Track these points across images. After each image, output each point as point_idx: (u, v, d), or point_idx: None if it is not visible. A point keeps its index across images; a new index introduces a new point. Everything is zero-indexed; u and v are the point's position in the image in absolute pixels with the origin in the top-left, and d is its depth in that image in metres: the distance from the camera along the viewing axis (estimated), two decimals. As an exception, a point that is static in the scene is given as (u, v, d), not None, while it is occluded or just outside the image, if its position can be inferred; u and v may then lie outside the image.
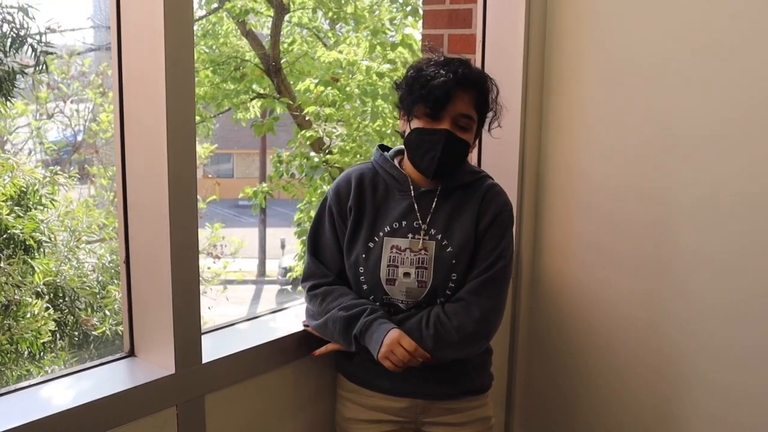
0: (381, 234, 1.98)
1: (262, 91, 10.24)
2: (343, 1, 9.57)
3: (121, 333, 5.69)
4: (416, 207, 1.99)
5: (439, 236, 1.96)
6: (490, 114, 2.04)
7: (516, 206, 2.68)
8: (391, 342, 1.86)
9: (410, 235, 1.96)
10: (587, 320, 2.70)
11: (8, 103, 6.16)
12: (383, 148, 2.10)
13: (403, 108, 1.99)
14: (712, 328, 2.43)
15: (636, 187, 2.54)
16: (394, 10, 9.72)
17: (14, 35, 5.82)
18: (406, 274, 1.95)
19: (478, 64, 2.70)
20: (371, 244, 1.97)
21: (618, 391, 2.66)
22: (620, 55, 2.53)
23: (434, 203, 1.99)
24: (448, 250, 1.96)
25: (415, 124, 1.94)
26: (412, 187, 2.00)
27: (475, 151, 2.74)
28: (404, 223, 1.97)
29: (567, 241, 2.71)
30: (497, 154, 2.70)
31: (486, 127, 2.06)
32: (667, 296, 2.51)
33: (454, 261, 1.95)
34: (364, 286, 1.98)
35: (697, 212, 2.43)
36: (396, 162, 2.05)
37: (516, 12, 2.59)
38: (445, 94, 1.88)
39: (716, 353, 2.44)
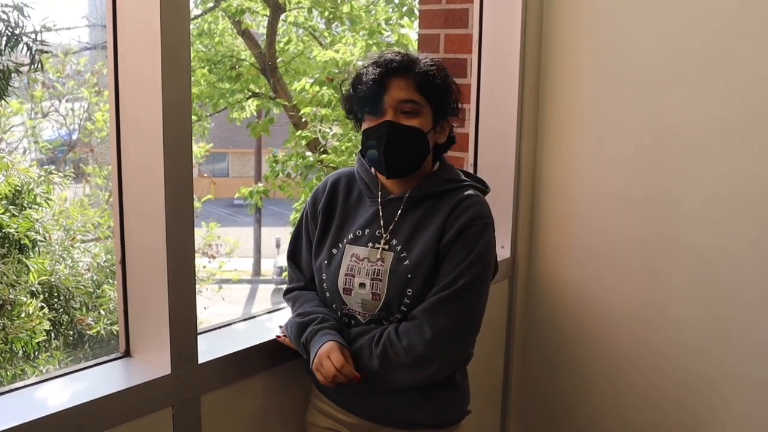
0: (345, 241, 1.89)
1: (257, 91, 10.24)
2: (339, 1, 9.57)
3: (116, 332, 5.67)
4: (381, 215, 1.88)
5: (399, 247, 1.84)
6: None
7: (512, 208, 2.68)
8: (321, 354, 1.75)
9: (370, 244, 1.86)
10: (584, 321, 2.70)
11: (3, 101, 6.14)
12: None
13: (354, 118, 1.92)
14: (708, 329, 2.44)
15: (633, 189, 2.54)
16: (390, 10, 9.72)
17: (9, 34, 5.81)
18: (362, 285, 1.83)
19: (475, 65, 2.70)
20: (334, 251, 1.89)
21: (615, 392, 2.66)
22: (618, 56, 2.53)
23: (399, 211, 1.88)
24: (405, 263, 1.82)
25: (364, 126, 1.86)
26: (380, 194, 1.90)
27: (471, 152, 2.74)
28: (367, 231, 1.88)
29: (563, 242, 2.72)
30: (493, 155, 2.70)
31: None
32: (664, 298, 2.52)
33: (409, 275, 1.80)
34: (327, 294, 1.89)
35: (693, 214, 2.43)
36: (372, 167, 1.93)
37: (512, 12, 2.59)
38: (377, 85, 1.79)
39: (713, 354, 2.44)
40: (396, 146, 1.81)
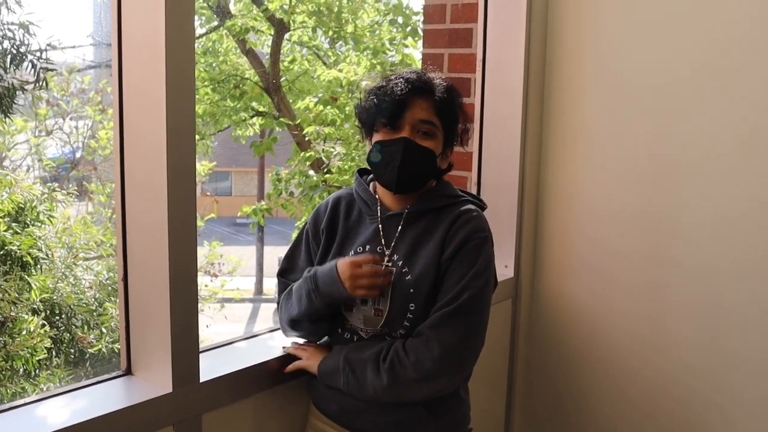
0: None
1: (261, 110, 10.27)
2: (343, 21, 9.62)
3: (117, 350, 5.66)
4: (381, 231, 1.89)
5: (401, 263, 1.85)
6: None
7: (516, 227, 2.68)
8: (343, 273, 1.79)
9: None
10: (587, 341, 2.69)
11: (7, 119, 6.16)
12: (362, 172, 2.02)
13: (365, 128, 1.91)
14: (710, 348, 2.43)
15: (636, 208, 2.54)
16: (395, 30, 9.77)
17: (14, 52, 5.84)
18: (364, 301, 1.83)
19: (479, 84, 2.71)
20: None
21: (617, 411, 2.65)
22: (621, 75, 2.53)
23: (399, 227, 1.89)
24: (407, 278, 1.83)
25: (377, 138, 1.86)
26: (379, 210, 1.91)
27: (474, 169, 2.74)
28: (368, 247, 1.88)
29: (567, 262, 2.71)
30: (497, 172, 2.70)
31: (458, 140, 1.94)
32: (666, 317, 2.51)
33: (411, 290, 1.81)
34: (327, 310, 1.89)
35: (696, 234, 2.43)
36: (372, 186, 1.97)
37: (516, 31, 2.59)
38: (401, 101, 1.80)
39: (715, 373, 2.43)
40: (410, 164, 1.82)
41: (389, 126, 1.83)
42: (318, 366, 1.86)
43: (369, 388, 1.78)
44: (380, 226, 1.90)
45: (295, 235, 2.15)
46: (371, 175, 1.98)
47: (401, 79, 1.84)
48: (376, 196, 1.94)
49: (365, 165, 1.95)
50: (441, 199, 1.91)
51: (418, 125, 1.82)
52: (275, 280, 2.09)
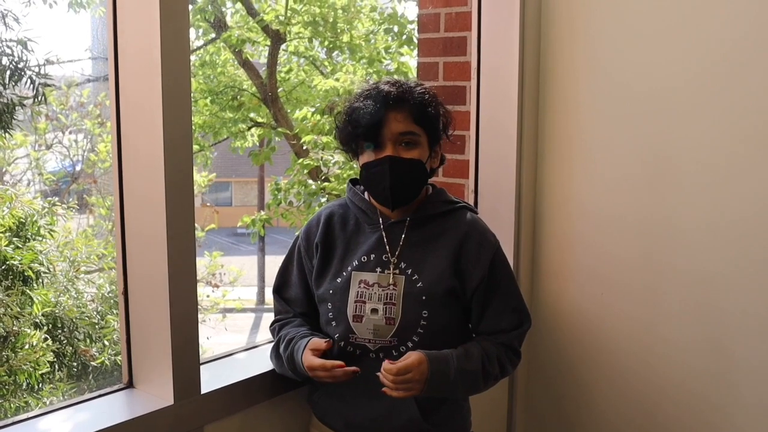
0: (349, 268, 1.89)
1: (259, 120, 10.28)
2: (339, 31, 9.64)
3: (119, 363, 5.66)
4: (385, 240, 1.89)
5: (409, 271, 1.86)
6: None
7: (514, 230, 2.69)
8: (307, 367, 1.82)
9: (379, 269, 1.87)
10: (586, 346, 2.69)
11: (7, 134, 6.18)
12: (354, 182, 2.02)
13: (349, 150, 1.93)
14: (711, 352, 2.43)
15: (633, 213, 2.54)
16: (390, 39, 9.79)
17: (13, 68, 5.86)
18: (374, 311, 1.84)
19: (473, 91, 2.72)
20: (339, 279, 1.89)
21: (618, 416, 2.65)
22: (616, 81, 2.54)
23: (404, 235, 1.89)
24: (418, 285, 1.85)
25: (363, 159, 1.87)
26: (381, 219, 1.91)
27: (471, 176, 2.75)
28: (373, 256, 1.88)
29: (566, 267, 2.72)
30: (494, 179, 2.71)
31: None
32: (666, 322, 2.51)
33: (424, 297, 1.84)
34: (333, 323, 1.89)
35: (694, 238, 2.43)
36: (366, 195, 1.96)
37: (510, 39, 2.61)
38: (375, 121, 1.80)
39: (717, 377, 2.43)
40: (400, 180, 1.83)
41: (371, 147, 1.84)
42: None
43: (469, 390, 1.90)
44: (383, 234, 1.90)
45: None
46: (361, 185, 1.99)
47: (370, 98, 1.84)
48: (374, 205, 1.94)
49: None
50: (441, 205, 1.94)
51: (398, 138, 1.83)
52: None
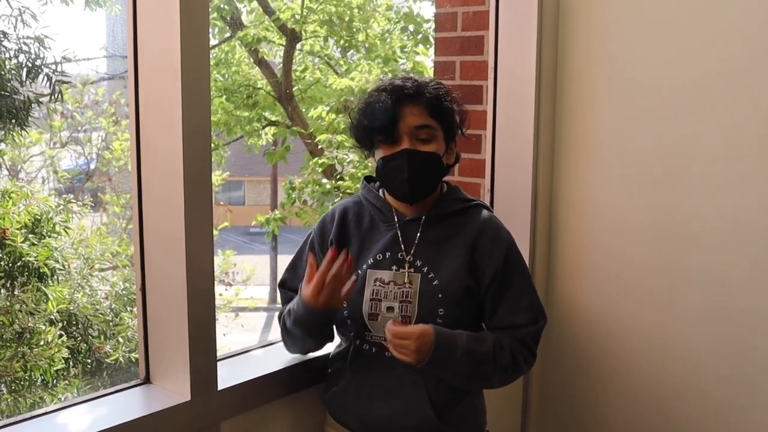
0: (364, 267, 1.88)
1: (274, 119, 10.31)
2: (354, 30, 9.65)
3: (134, 360, 5.70)
4: (400, 238, 1.88)
5: (425, 269, 1.85)
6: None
7: (529, 230, 2.68)
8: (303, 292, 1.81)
9: (394, 267, 1.86)
10: (602, 347, 2.68)
11: (23, 132, 6.22)
12: (369, 179, 2.01)
13: (364, 146, 1.91)
14: (727, 354, 2.42)
15: (649, 214, 2.53)
16: (406, 38, 9.79)
17: (30, 65, 5.90)
18: (390, 309, 1.83)
19: (491, 90, 2.72)
20: (354, 277, 1.83)
21: (634, 417, 2.64)
22: (633, 81, 2.53)
23: (419, 233, 1.88)
24: (434, 283, 1.84)
25: (379, 154, 1.85)
26: (396, 217, 1.90)
27: (487, 176, 2.75)
28: (388, 254, 1.87)
29: (581, 267, 2.71)
30: (511, 178, 2.70)
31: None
32: (681, 323, 2.50)
33: (440, 295, 1.83)
34: (348, 322, 1.88)
35: (710, 239, 2.42)
36: (381, 192, 1.95)
37: (528, 38, 2.60)
38: (391, 114, 1.79)
39: (733, 379, 2.42)
40: (418, 173, 1.82)
41: (386, 141, 1.83)
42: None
43: (475, 378, 1.86)
44: (399, 232, 1.90)
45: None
46: (376, 182, 1.99)
47: (385, 92, 1.83)
48: (389, 203, 1.93)
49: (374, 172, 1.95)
50: (456, 203, 1.93)
51: (414, 132, 1.82)
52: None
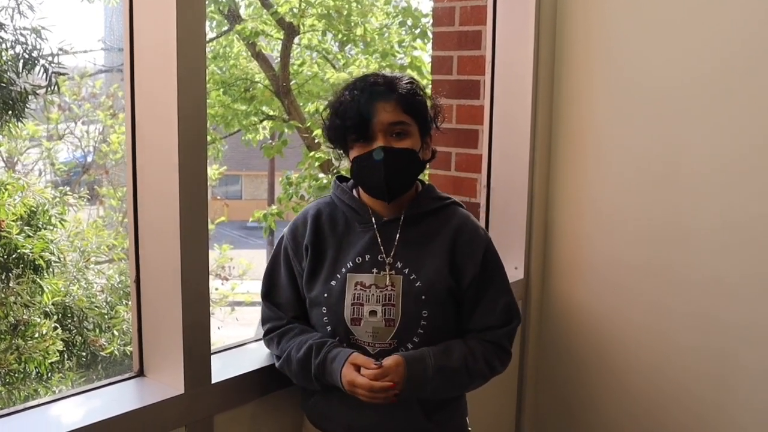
0: (343, 270, 1.83)
1: (271, 113, 10.29)
2: (352, 24, 9.63)
3: (129, 353, 5.69)
4: (379, 239, 1.84)
5: (406, 270, 1.82)
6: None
7: (526, 230, 2.68)
8: (345, 383, 1.73)
9: (375, 270, 1.82)
10: (596, 342, 2.68)
11: (20, 123, 6.19)
12: (341, 179, 1.96)
13: (338, 146, 1.87)
14: (720, 358, 2.42)
15: (644, 215, 2.53)
16: (404, 32, 9.78)
17: (27, 56, 5.87)
18: (372, 313, 1.79)
19: (488, 86, 2.71)
20: (333, 282, 1.82)
21: (627, 417, 2.64)
22: (631, 79, 2.53)
23: (398, 234, 1.85)
24: (416, 284, 1.81)
25: (353, 153, 1.82)
26: (373, 218, 1.86)
27: (484, 171, 2.75)
28: (368, 257, 1.83)
29: (577, 266, 2.71)
30: (507, 174, 2.70)
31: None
32: (675, 327, 2.51)
33: (424, 297, 1.80)
34: (328, 328, 1.83)
35: (705, 243, 2.42)
36: (355, 192, 1.91)
37: (525, 33, 2.60)
38: (364, 112, 1.76)
39: (726, 383, 2.42)
40: (394, 170, 1.79)
41: (361, 140, 1.80)
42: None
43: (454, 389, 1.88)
44: (377, 233, 1.86)
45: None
46: (350, 182, 1.95)
47: (357, 90, 1.80)
48: (365, 204, 1.89)
49: None
50: (434, 201, 1.91)
51: (388, 129, 1.78)
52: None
